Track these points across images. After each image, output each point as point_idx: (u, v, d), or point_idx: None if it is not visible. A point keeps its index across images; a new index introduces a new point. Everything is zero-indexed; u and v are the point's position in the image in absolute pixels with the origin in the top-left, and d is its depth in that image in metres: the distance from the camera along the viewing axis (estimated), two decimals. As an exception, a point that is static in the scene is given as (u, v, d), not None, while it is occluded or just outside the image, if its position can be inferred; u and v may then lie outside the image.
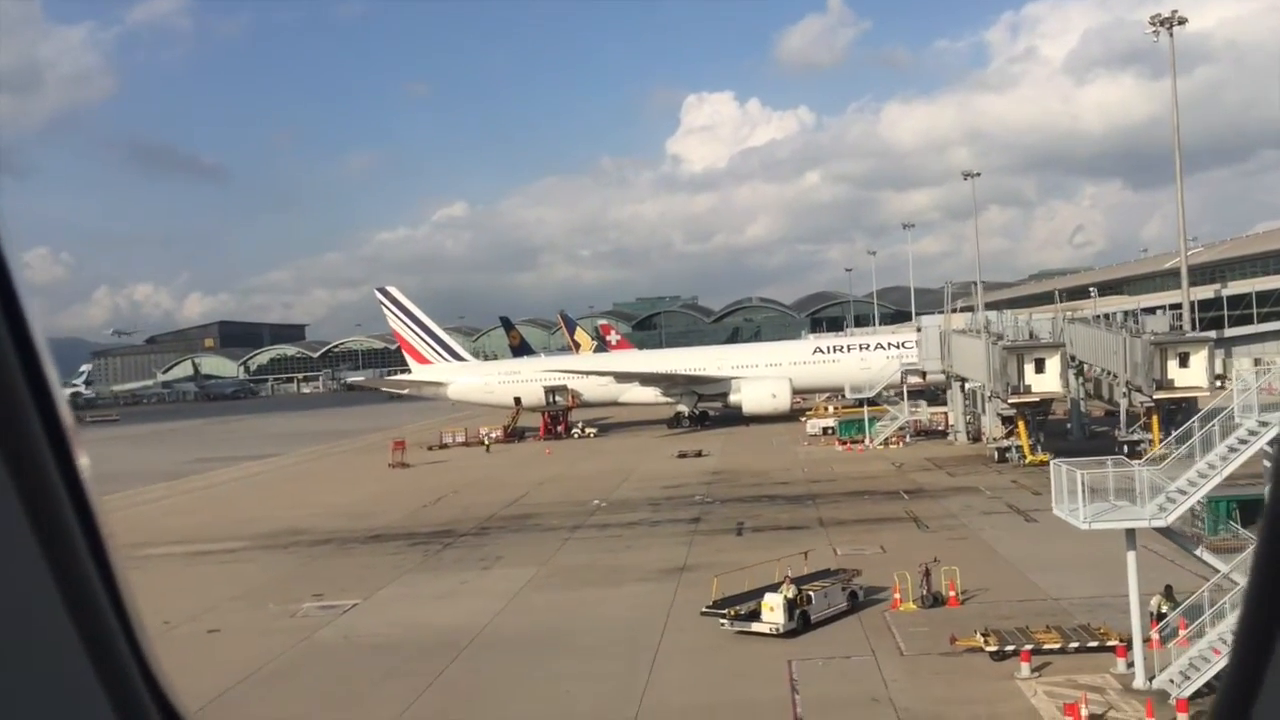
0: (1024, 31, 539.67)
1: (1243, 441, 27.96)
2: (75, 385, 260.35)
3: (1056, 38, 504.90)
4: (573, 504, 66.29)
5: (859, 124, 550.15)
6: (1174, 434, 37.87)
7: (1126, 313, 73.61)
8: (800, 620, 34.15)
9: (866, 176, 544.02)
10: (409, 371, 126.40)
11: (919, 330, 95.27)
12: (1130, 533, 28.66)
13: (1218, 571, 29.38)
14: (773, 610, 33.55)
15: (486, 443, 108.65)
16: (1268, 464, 27.00)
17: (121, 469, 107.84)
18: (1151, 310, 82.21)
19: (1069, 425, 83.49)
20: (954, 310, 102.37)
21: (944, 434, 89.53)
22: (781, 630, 33.47)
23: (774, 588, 34.70)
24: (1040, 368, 68.17)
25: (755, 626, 33.81)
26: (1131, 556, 28.80)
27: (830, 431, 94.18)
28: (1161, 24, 78.27)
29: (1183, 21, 78.61)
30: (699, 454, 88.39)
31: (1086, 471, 30.06)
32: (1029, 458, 69.29)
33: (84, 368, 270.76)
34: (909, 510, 56.95)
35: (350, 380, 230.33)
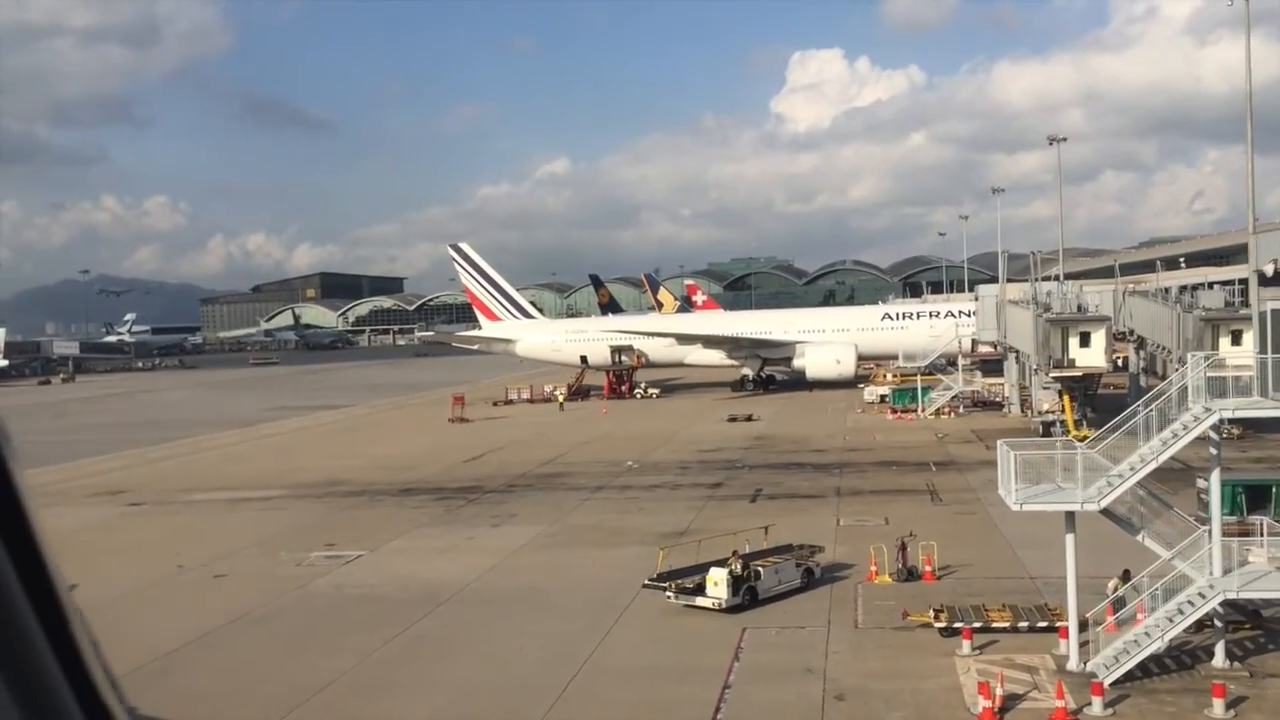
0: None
1: (1186, 427, 27.49)
2: (119, 333, 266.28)
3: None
4: (606, 464, 67.32)
5: (969, 84, 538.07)
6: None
7: (1183, 287, 71.45)
8: (747, 596, 34.41)
9: (974, 138, 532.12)
10: (478, 327, 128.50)
11: (976, 299, 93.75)
12: (1070, 515, 28.49)
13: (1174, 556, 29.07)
14: (717, 585, 33.90)
15: (560, 399, 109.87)
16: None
17: (202, 415, 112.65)
18: (1210, 285, 79.47)
19: (1129, 399, 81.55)
20: (1048, 278, 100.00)
21: (1000, 405, 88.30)
22: (724, 605, 33.69)
23: (722, 562, 34.97)
24: (1085, 341, 66.76)
25: (699, 601, 34.11)
26: (1070, 539, 28.70)
27: (886, 399, 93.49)
28: (1237, -14, 75.01)
29: (1259, -16, 75.18)
30: (749, 418, 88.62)
31: (1035, 453, 29.99)
32: (1072, 432, 68.01)
33: (129, 316, 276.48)
34: (930, 483, 56.66)
35: (420, 335, 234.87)
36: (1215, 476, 28.61)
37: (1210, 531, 27.81)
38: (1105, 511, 28.32)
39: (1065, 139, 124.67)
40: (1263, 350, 28.16)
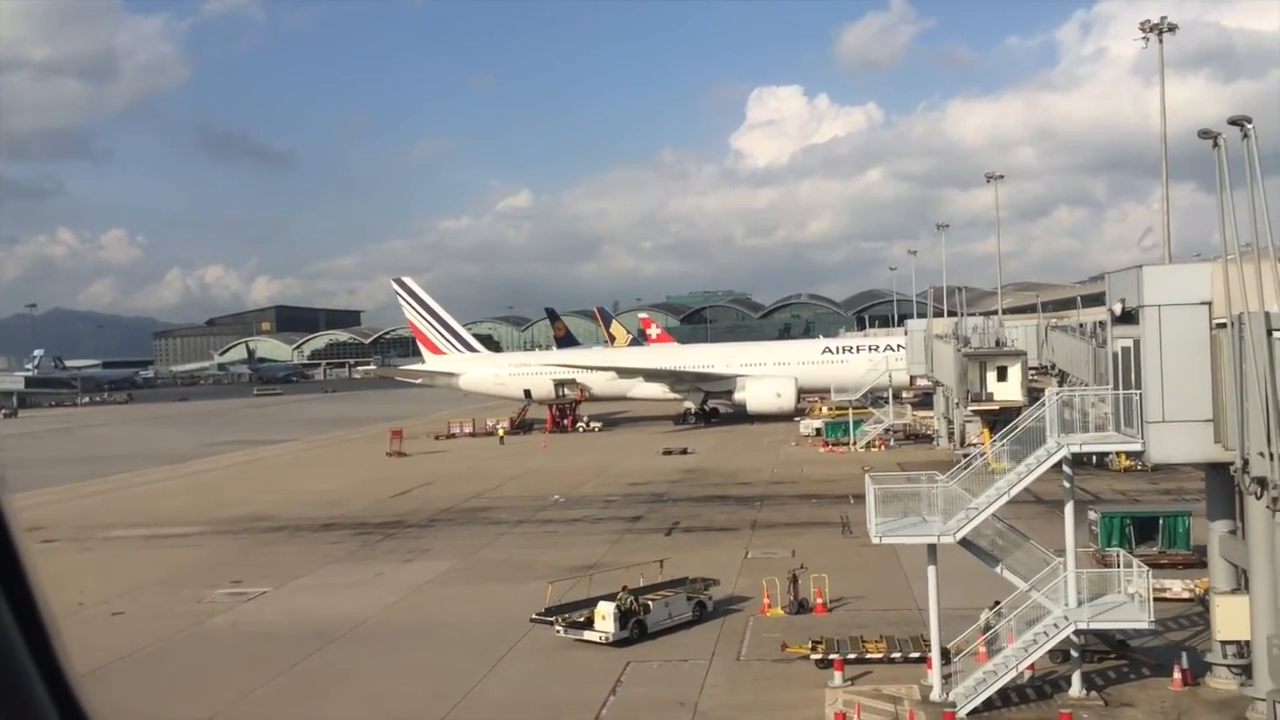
0: (1095, 31, 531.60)
1: (1040, 460, 28.25)
2: (28, 370, 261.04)
3: (1127, 38, 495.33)
4: (532, 499, 67.51)
5: (924, 122, 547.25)
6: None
7: (1099, 322, 72.75)
8: (636, 629, 34.77)
9: (929, 174, 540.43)
10: (423, 361, 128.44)
11: (906, 334, 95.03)
12: (931, 548, 29.12)
13: (1043, 586, 29.71)
14: (605, 619, 34.25)
15: (501, 433, 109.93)
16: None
17: (137, 451, 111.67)
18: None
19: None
20: (990, 313, 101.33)
21: (930, 438, 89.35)
22: (612, 639, 34.05)
23: (611, 596, 35.33)
24: (1003, 375, 67.77)
25: (587, 635, 34.46)
26: (932, 570, 29.31)
27: (820, 432, 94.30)
28: (1151, 30, 76.99)
29: (1173, 28, 77.23)
30: (684, 451, 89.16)
31: (901, 486, 30.65)
32: (992, 465, 68.88)
33: (36, 352, 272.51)
34: (844, 515, 57.23)
35: (363, 369, 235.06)
36: (1069, 509, 29.38)
37: (1065, 563, 28.51)
38: (965, 543, 28.99)
39: (1003, 176, 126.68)
40: (1115, 386, 29.06)
